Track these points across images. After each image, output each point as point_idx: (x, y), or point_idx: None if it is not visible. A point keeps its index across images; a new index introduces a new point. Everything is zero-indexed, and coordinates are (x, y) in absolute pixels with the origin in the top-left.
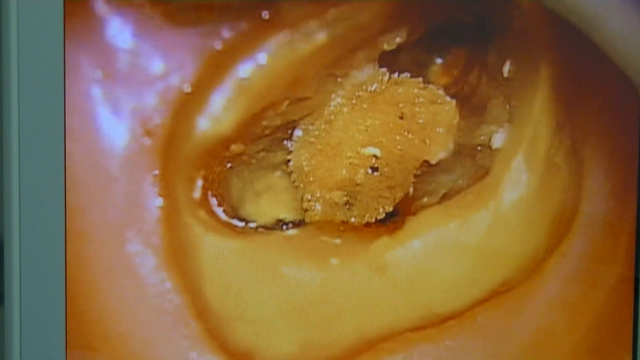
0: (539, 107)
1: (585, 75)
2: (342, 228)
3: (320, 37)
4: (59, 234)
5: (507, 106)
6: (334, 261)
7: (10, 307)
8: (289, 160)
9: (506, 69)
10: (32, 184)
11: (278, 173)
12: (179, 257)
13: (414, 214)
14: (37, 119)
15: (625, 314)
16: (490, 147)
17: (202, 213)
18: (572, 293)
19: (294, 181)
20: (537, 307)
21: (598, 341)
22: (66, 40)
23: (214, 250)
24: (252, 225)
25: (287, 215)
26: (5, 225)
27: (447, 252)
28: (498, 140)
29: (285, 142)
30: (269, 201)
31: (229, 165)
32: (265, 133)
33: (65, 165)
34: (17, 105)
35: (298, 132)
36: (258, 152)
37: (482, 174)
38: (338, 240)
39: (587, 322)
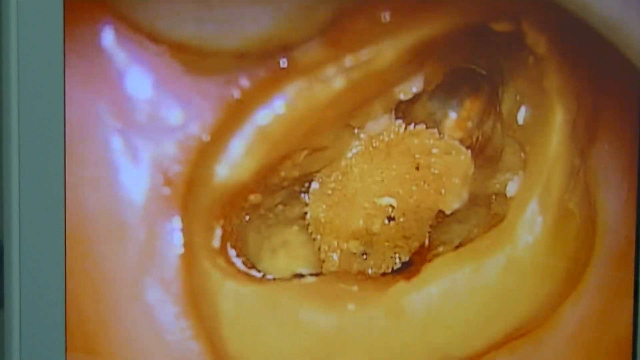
0: (553, 152)
1: (600, 118)
2: (359, 277)
3: (337, 84)
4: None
5: (522, 153)
6: (350, 307)
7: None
8: (305, 213)
9: (521, 115)
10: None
11: (295, 228)
12: (198, 304)
13: (429, 261)
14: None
15: None
16: (505, 195)
17: (220, 261)
18: (588, 337)
19: (310, 233)
20: (554, 351)
21: None
22: (86, 90)
23: (233, 296)
24: (269, 277)
25: (303, 269)
26: (5, 235)
27: (463, 296)
28: (513, 187)
29: (302, 195)
30: (285, 257)
31: (247, 217)
32: (283, 185)
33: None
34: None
35: (315, 185)
36: (276, 205)
37: (496, 222)
38: (355, 288)
39: None
